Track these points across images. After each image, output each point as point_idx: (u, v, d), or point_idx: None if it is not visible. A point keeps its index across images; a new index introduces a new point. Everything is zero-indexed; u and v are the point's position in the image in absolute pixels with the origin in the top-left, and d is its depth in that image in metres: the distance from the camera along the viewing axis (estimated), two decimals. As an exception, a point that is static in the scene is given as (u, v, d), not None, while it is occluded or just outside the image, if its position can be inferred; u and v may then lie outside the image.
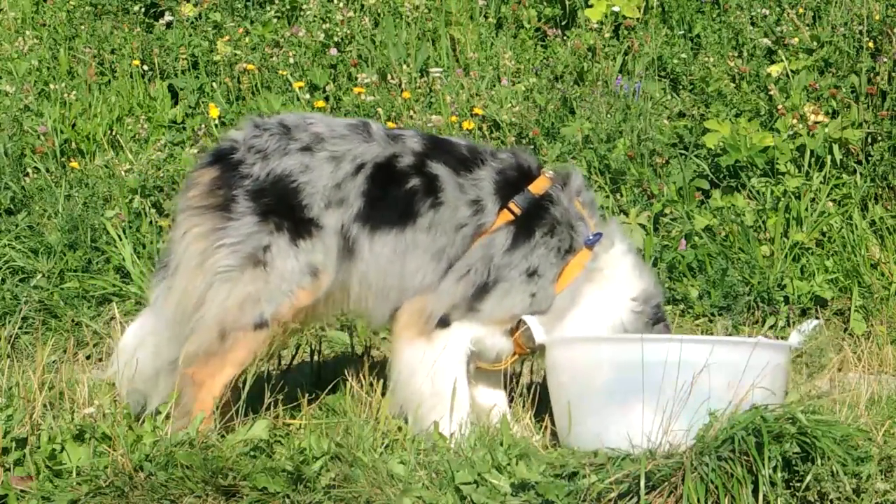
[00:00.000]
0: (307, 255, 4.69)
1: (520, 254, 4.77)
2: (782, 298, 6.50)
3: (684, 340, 4.45)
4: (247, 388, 4.68)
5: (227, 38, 8.44)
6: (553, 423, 4.81)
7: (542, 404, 4.98)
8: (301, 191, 4.70)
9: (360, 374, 5.05)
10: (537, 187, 4.85)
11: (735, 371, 4.32)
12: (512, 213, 4.79)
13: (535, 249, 4.78)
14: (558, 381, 4.76)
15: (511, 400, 5.07)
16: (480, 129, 7.65)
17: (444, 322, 4.76)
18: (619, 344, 4.66)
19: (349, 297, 4.85)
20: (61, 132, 7.86)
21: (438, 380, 4.72)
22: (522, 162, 4.92)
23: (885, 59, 7.23)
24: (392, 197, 4.75)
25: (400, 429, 4.72)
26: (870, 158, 7.03)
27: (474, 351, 4.83)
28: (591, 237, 4.85)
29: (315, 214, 4.71)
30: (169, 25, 8.78)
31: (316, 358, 5.80)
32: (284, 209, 4.69)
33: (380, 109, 7.79)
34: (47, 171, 7.63)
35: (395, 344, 4.83)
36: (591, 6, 8.37)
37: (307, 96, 7.96)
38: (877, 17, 7.51)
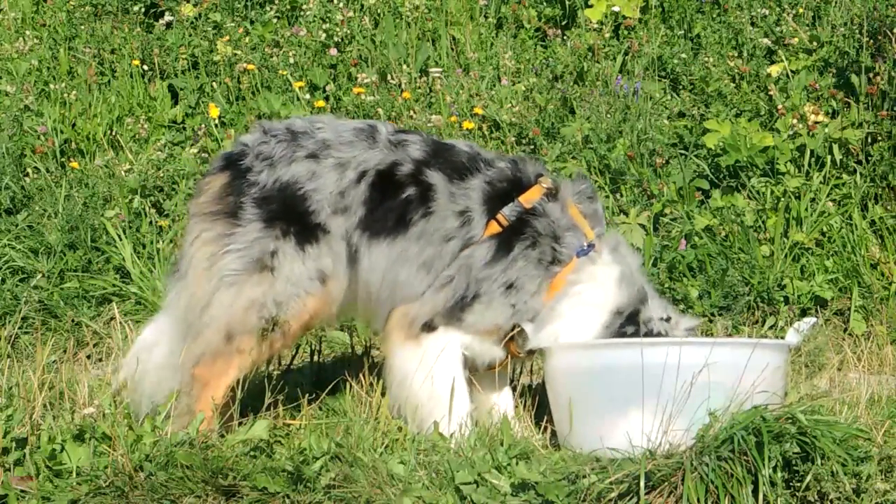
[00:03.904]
0: (315, 260, 4.74)
1: (499, 268, 4.74)
2: (782, 298, 6.50)
3: (683, 343, 4.45)
4: (240, 388, 4.70)
5: (227, 38, 8.44)
6: (553, 426, 4.81)
7: (542, 404, 4.98)
8: (308, 197, 4.75)
9: (360, 374, 5.05)
10: (527, 198, 4.81)
11: (734, 372, 4.32)
12: (500, 224, 4.77)
13: (514, 263, 4.75)
14: (556, 386, 4.75)
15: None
16: (480, 128, 7.65)
17: (429, 326, 4.76)
18: (616, 349, 4.64)
19: (357, 304, 4.91)
20: (61, 132, 7.87)
21: (434, 383, 4.72)
22: (517, 171, 4.87)
23: (885, 59, 7.24)
24: (388, 206, 4.77)
25: (400, 429, 4.73)
26: (870, 158, 7.03)
27: (466, 355, 4.83)
28: (584, 247, 4.81)
29: (323, 220, 4.75)
30: (169, 25, 8.78)
31: (316, 358, 5.80)
32: (291, 215, 4.74)
33: (380, 109, 7.79)
34: (47, 171, 7.63)
35: (386, 348, 4.85)
36: (591, 6, 8.38)
37: (307, 96, 7.96)
38: (877, 17, 7.51)
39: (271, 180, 4.75)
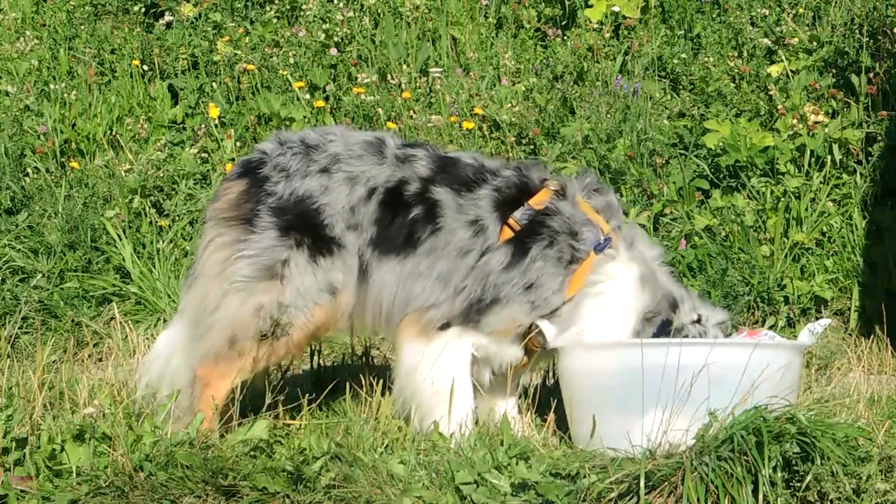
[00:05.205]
0: (326, 272, 4.78)
1: (517, 272, 4.76)
2: (782, 298, 6.50)
3: (695, 344, 4.46)
4: (240, 390, 4.71)
5: (227, 38, 8.44)
6: (560, 428, 4.81)
7: (542, 404, 4.99)
8: (322, 211, 4.80)
9: (360, 375, 5.06)
10: (537, 201, 4.82)
11: (751, 373, 4.32)
12: (512, 229, 4.79)
13: (532, 264, 4.76)
14: (571, 386, 4.75)
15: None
16: (480, 129, 7.65)
17: (444, 325, 4.80)
18: (632, 349, 4.62)
19: (365, 317, 4.94)
20: (61, 132, 7.86)
21: (438, 379, 4.74)
22: (524, 177, 4.89)
23: (885, 59, 7.24)
24: (398, 225, 4.82)
25: (400, 429, 4.73)
26: (870, 158, 7.03)
27: (481, 357, 4.85)
28: (600, 242, 4.80)
29: (337, 234, 4.80)
30: (169, 25, 8.78)
31: (316, 358, 5.80)
32: (306, 227, 4.79)
33: (380, 109, 7.79)
34: (47, 171, 7.63)
35: (398, 343, 4.88)
36: (591, 6, 8.38)
37: (307, 96, 7.96)
38: (877, 17, 7.51)
39: (287, 192, 4.81)
